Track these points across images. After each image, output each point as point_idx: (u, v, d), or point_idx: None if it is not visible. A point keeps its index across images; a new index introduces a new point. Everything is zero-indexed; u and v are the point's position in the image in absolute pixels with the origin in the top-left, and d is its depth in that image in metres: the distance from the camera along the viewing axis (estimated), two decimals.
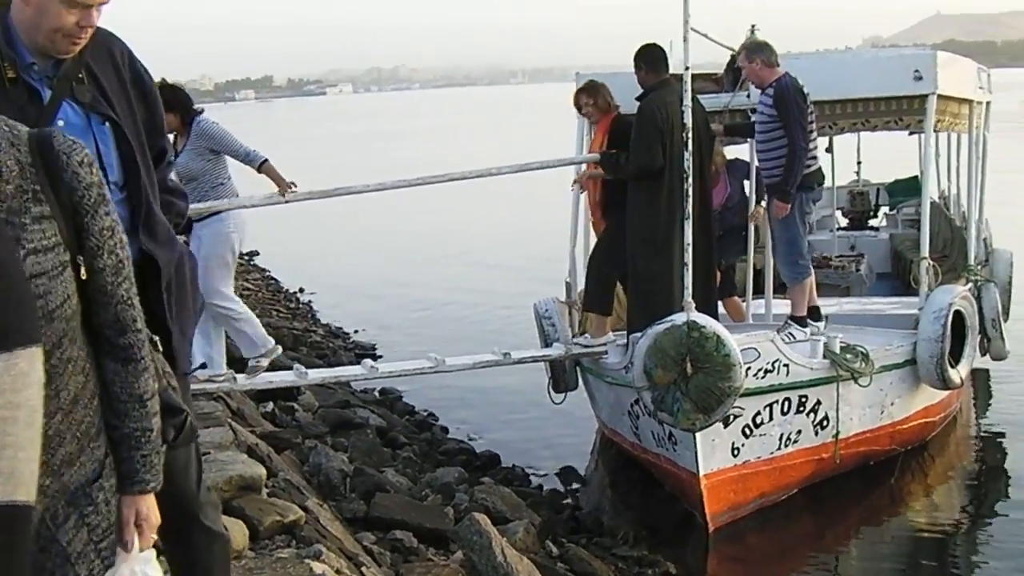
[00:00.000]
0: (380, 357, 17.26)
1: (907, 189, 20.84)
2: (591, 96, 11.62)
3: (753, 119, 11.71)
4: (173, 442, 3.85)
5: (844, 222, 22.21)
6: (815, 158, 11.50)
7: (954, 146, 16.99)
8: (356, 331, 19.87)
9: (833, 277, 16.39)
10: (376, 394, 15.43)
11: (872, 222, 22.12)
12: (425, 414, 14.63)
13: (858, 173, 23.12)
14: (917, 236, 19.03)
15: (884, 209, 22.58)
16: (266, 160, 10.10)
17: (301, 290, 24.52)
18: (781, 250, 11.66)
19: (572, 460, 12.92)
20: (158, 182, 4.38)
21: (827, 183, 19.58)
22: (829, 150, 18.61)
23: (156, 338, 3.86)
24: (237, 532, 6.67)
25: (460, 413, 14.71)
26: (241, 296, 21.15)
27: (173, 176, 4.80)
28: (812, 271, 11.80)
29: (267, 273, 27.15)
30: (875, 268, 17.79)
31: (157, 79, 4.78)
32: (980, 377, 15.35)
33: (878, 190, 22.42)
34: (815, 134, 11.46)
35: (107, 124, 4.12)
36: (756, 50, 11.31)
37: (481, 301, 21.39)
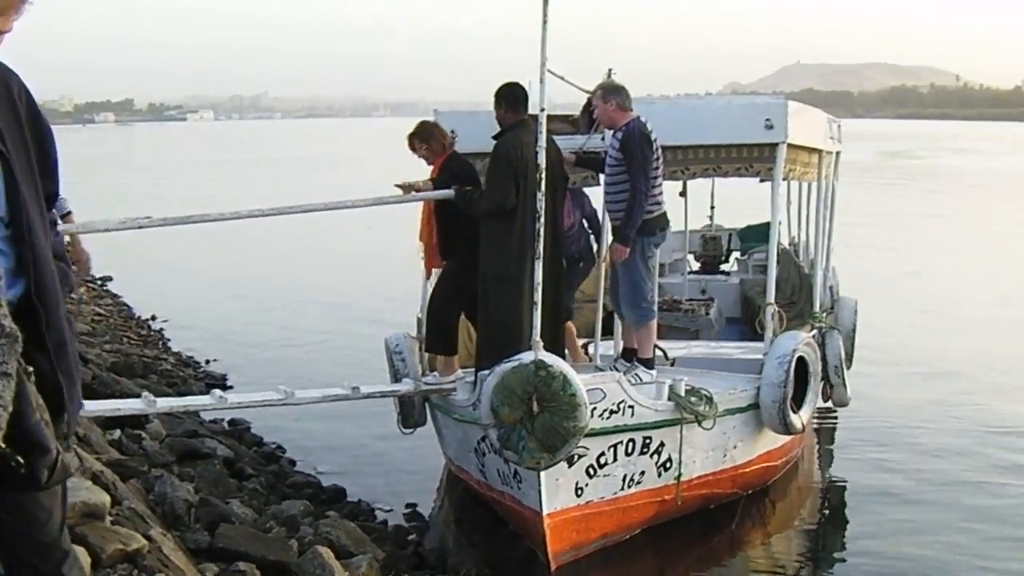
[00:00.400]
0: (231, 388, 17.25)
1: (759, 235, 21.20)
2: (423, 141, 11.82)
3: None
4: (46, 484, 3.91)
5: (696, 266, 22.56)
6: (659, 203, 11.74)
7: (804, 194, 17.32)
8: (208, 361, 19.68)
9: (683, 320, 16.62)
10: (225, 425, 15.30)
11: (724, 267, 22.50)
12: (273, 446, 14.52)
13: (711, 218, 23.53)
14: (765, 281, 19.47)
15: (736, 254, 22.96)
16: (69, 212, 9.95)
17: (153, 317, 24.22)
18: (624, 292, 11.87)
19: (419, 496, 12.89)
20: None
21: (680, 227, 20.03)
22: (683, 194, 18.96)
23: (31, 369, 3.82)
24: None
25: (309, 446, 14.61)
26: (93, 322, 20.92)
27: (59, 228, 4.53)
28: (656, 314, 11.98)
29: (120, 299, 26.79)
30: (725, 312, 18.08)
31: None
32: (825, 423, 15.67)
33: (730, 235, 22.81)
34: (660, 180, 11.72)
35: None
36: (612, 92, 11.51)
37: (333, 334, 21.36)
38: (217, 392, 11.46)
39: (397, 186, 11.99)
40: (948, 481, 13.34)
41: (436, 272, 12.27)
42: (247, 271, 31.62)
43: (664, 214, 11.94)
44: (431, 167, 11.90)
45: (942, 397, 17.32)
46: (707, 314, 17.02)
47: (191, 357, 20.04)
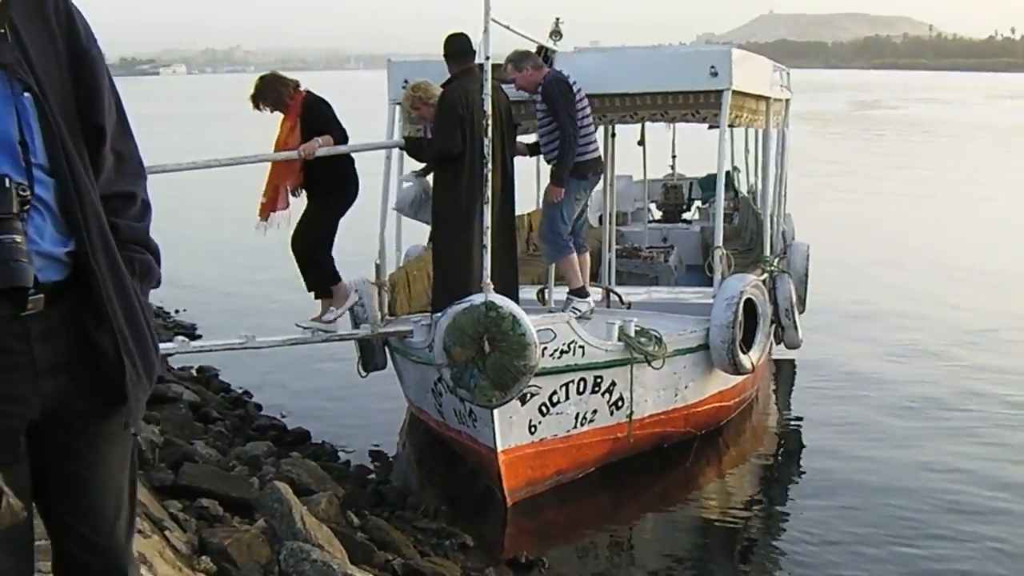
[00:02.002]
0: (199, 336, 17.44)
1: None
2: (263, 98, 11.97)
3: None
4: None
5: (659, 215, 22.84)
6: (590, 146, 12.11)
7: (759, 142, 17.61)
8: (177, 311, 19.88)
9: (642, 267, 16.93)
10: (194, 372, 15.54)
11: (685, 215, 22.73)
12: (240, 391, 14.77)
13: (673, 167, 23.76)
14: (727, 229, 19.76)
15: (697, 203, 23.20)
16: None
17: None
18: (543, 228, 12.23)
19: (382, 438, 13.21)
20: (98, 176, 3.45)
21: (640, 176, 20.30)
22: (641, 143, 19.20)
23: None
24: None
25: (275, 391, 14.85)
26: None
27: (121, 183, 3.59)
28: (572, 250, 12.30)
29: None
30: (685, 260, 18.34)
31: None
32: (784, 367, 16.00)
33: (691, 184, 23.05)
34: (591, 124, 12.12)
35: (28, 94, 3.24)
36: (522, 59, 11.85)
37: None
38: (180, 338, 11.75)
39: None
40: (901, 424, 13.63)
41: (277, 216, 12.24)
42: (216, 223, 31.70)
43: (598, 158, 12.39)
44: (285, 120, 11.91)
45: (896, 340, 17.70)
46: (666, 261, 17.32)
47: (160, 307, 20.18)
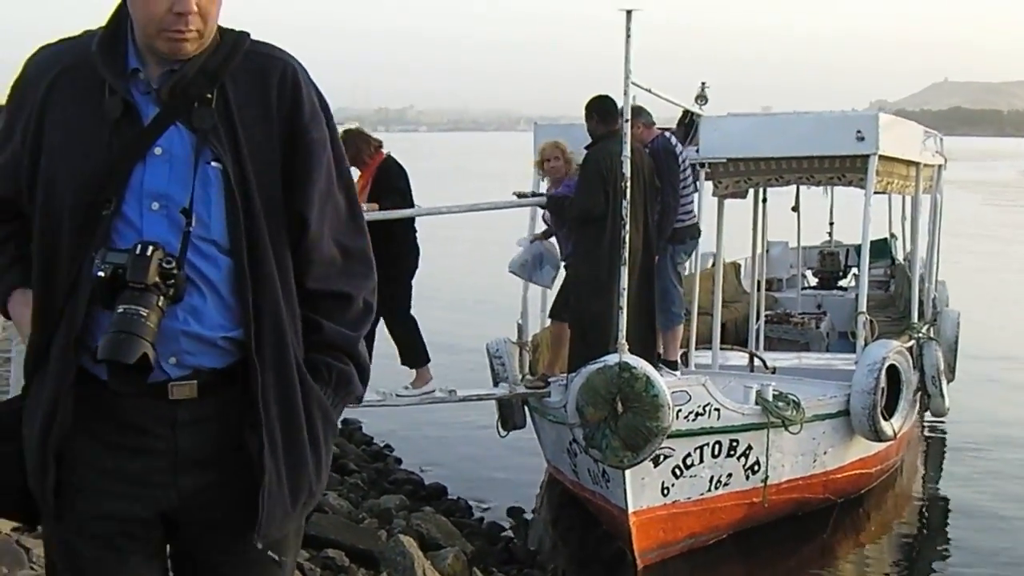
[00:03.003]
0: None
1: (876, 251, 21.18)
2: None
3: None
4: None
5: (815, 281, 22.64)
6: (690, 213, 12.21)
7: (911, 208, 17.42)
8: None
9: (793, 333, 16.82)
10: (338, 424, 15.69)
11: (842, 282, 22.49)
12: (382, 445, 14.91)
13: (830, 234, 23.53)
14: (882, 296, 19.53)
15: (854, 270, 22.96)
16: None
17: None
18: (657, 297, 12.20)
19: (518, 496, 13.20)
20: (307, 270, 3.22)
21: (794, 243, 20.19)
22: (795, 209, 19.09)
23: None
24: None
25: (416, 446, 14.98)
26: None
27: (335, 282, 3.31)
28: (683, 319, 12.40)
29: None
30: (838, 327, 18.12)
31: None
32: (935, 436, 15.71)
33: (847, 251, 22.81)
34: (691, 191, 12.20)
35: (217, 164, 3.04)
36: (636, 115, 11.88)
37: (447, 336, 21.60)
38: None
39: (515, 194, 12.57)
40: None
41: None
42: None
43: (695, 224, 12.41)
44: (359, 178, 11.63)
45: None
46: (817, 327, 17.17)
47: None
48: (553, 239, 12.27)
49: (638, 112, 11.94)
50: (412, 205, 11.76)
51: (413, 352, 11.85)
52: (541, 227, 12.83)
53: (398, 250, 11.40)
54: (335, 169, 3.26)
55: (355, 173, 11.56)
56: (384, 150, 11.91)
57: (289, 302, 3.14)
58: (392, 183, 11.65)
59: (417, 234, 11.83)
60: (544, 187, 13.03)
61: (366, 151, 11.72)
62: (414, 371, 11.93)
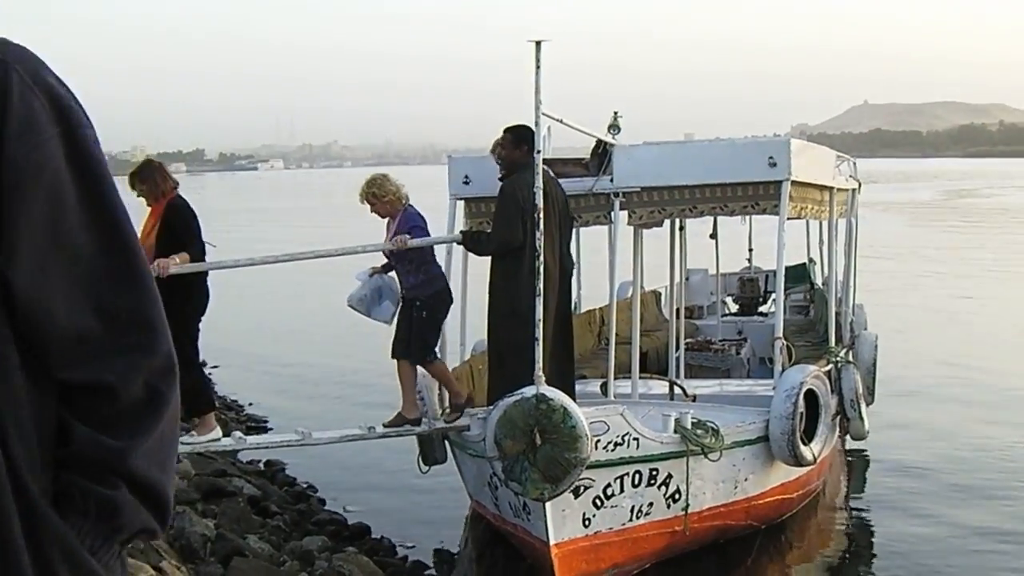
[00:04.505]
0: (271, 429, 17.57)
1: (795, 276, 21.37)
2: (142, 180, 11.05)
3: None
4: None
5: (735, 308, 22.77)
6: None
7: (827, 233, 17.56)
8: (250, 404, 20.05)
9: (713, 360, 16.86)
10: (261, 466, 15.62)
11: (763, 308, 22.62)
12: (305, 486, 14.80)
13: (749, 260, 23.68)
14: (802, 321, 19.66)
15: (773, 296, 23.08)
16: None
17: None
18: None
19: (442, 533, 13.18)
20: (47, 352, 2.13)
21: (713, 270, 20.29)
22: (713, 236, 19.20)
23: None
24: None
25: (340, 486, 14.89)
26: None
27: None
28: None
29: None
30: (759, 352, 18.21)
31: None
32: (856, 459, 15.79)
33: (767, 277, 22.95)
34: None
35: None
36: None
37: (375, 373, 21.52)
38: (237, 434, 11.86)
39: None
40: (979, 517, 13.39)
41: None
42: (295, 316, 31.98)
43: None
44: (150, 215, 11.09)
45: (973, 432, 17.35)
46: (738, 354, 17.23)
47: (235, 401, 20.41)
48: (393, 272, 12.14)
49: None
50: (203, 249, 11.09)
51: (198, 400, 11.23)
52: (457, 263, 12.80)
53: (186, 292, 10.74)
54: (74, 201, 2.13)
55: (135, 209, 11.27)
56: (178, 191, 11.18)
57: (11, 402, 2.06)
58: (188, 224, 11.02)
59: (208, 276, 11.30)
60: (460, 220, 13.03)
61: (163, 187, 11.01)
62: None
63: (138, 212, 11.19)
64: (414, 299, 11.86)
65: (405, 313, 11.96)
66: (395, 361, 11.97)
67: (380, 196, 11.82)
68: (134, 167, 11.09)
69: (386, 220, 12.06)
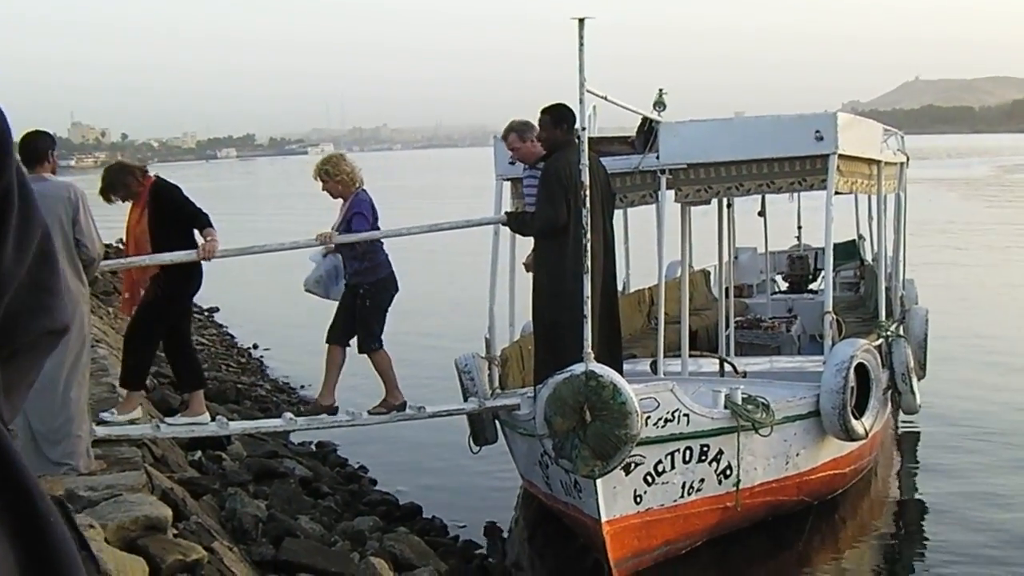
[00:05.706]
0: None
1: (845, 253, 21.30)
2: (113, 191, 11.24)
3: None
4: None
5: (784, 286, 22.68)
6: None
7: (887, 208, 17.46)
8: (303, 387, 20.08)
9: (763, 338, 16.84)
10: (313, 447, 15.68)
11: (812, 286, 22.53)
12: (356, 466, 14.84)
13: (799, 238, 23.59)
14: (852, 298, 19.57)
15: (823, 272, 22.97)
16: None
17: (255, 346, 24.79)
18: None
19: (494, 513, 13.18)
20: None
21: (763, 248, 20.21)
22: (762, 214, 19.10)
23: None
24: (138, 570, 6.93)
25: (391, 466, 14.90)
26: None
27: None
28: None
29: (224, 329, 27.52)
30: (809, 330, 18.15)
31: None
32: (909, 434, 15.72)
33: (816, 254, 22.84)
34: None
35: None
36: (527, 129, 11.81)
37: (430, 350, 21.52)
38: (288, 415, 11.86)
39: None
40: None
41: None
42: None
43: None
44: (134, 207, 11.29)
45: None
46: (788, 331, 17.18)
47: (287, 383, 20.46)
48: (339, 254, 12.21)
49: (529, 128, 11.92)
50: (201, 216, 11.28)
51: (138, 376, 11.39)
52: (504, 243, 12.81)
53: (178, 271, 11.05)
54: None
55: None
56: (151, 174, 11.41)
57: None
58: (175, 199, 11.20)
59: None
60: (507, 200, 13.02)
61: (134, 184, 11.15)
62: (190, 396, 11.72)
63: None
64: (357, 286, 11.99)
65: (347, 300, 12.07)
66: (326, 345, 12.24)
67: (333, 175, 11.97)
68: (178, 152, 11.18)
69: (338, 201, 12.24)
